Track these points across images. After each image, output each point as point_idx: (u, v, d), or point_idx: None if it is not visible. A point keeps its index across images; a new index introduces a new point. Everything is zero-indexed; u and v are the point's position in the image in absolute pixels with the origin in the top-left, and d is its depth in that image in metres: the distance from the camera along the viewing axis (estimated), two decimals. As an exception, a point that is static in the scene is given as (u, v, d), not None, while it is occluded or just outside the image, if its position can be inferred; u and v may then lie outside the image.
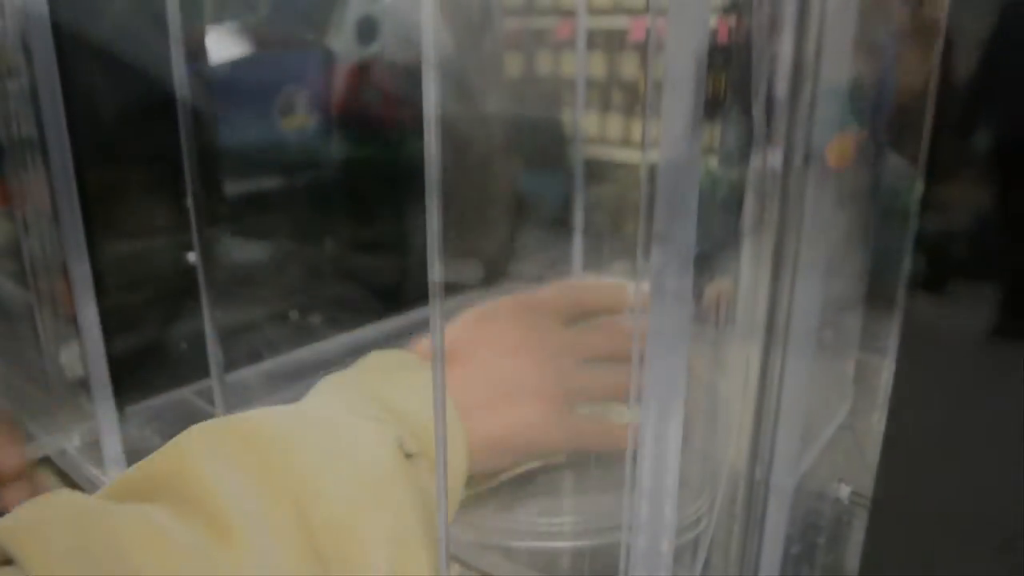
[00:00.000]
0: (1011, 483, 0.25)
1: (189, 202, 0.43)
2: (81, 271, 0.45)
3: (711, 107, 0.35)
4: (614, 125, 0.72)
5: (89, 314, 0.45)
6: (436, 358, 0.29)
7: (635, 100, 0.70)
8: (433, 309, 0.30)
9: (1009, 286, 0.24)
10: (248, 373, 0.61)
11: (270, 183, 0.61)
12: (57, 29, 0.41)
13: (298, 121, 0.62)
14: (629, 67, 0.69)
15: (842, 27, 0.24)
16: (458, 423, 0.35)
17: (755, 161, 0.28)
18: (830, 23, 0.24)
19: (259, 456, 0.29)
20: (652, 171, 0.21)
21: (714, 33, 0.37)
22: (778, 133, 0.26)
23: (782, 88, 0.25)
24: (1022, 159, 0.23)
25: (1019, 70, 0.23)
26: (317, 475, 0.29)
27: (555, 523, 0.38)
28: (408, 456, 0.33)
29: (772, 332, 0.28)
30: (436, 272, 0.29)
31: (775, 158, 0.26)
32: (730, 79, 0.28)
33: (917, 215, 0.26)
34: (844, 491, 0.32)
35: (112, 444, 0.48)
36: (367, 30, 0.63)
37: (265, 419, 0.32)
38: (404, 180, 0.60)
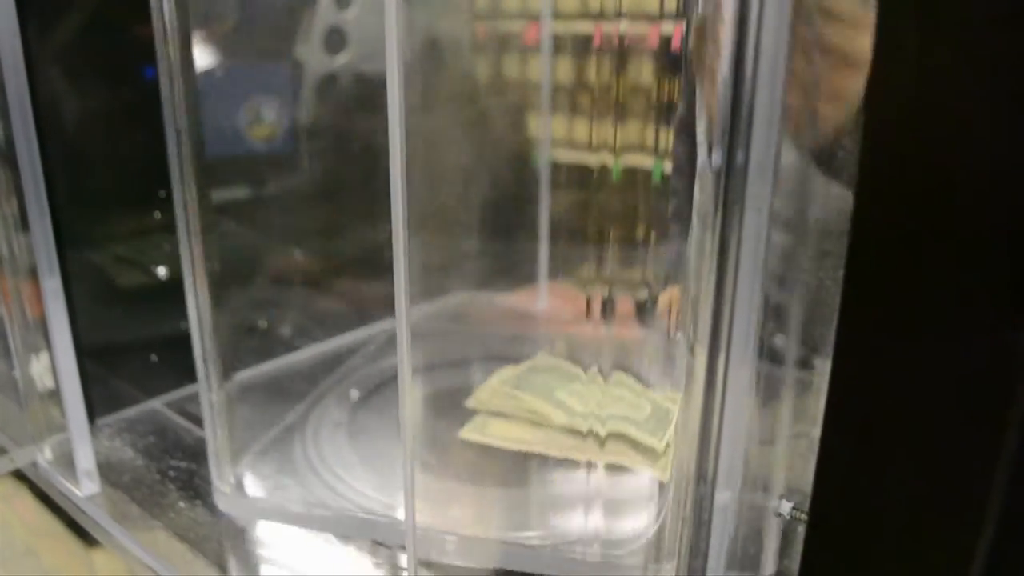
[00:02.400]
0: (950, 493, 0.26)
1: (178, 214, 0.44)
2: (52, 283, 0.45)
3: (665, 112, 0.37)
4: (580, 129, 0.73)
5: (60, 325, 0.46)
6: (402, 370, 0.30)
7: (601, 104, 0.72)
8: (399, 320, 0.32)
9: (939, 288, 0.25)
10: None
11: (240, 193, 0.62)
12: (26, 36, 0.42)
13: (265, 131, 0.62)
14: (594, 72, 0.71)
15: (780, 27, 0.26)
16: None
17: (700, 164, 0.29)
18: (767, 25, 0.26)
19: None
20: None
21: (668, 40, 0.39)
22: (719, 134, 0.27)
23: (722, 89, 0.27)
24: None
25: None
26: None
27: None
28: None
29: (716, 340, 0.29)
30: (401, 282, 0.31)
31: (717, 159, 0.28)
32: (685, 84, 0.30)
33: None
34: (785, 507, 0.33)
35: (84, 457, 0.48)
36: (335, 41, 0.64)
37: None
38: (372, 191, 0.60)
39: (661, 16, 0.28)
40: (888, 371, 0.27)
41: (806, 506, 0.31)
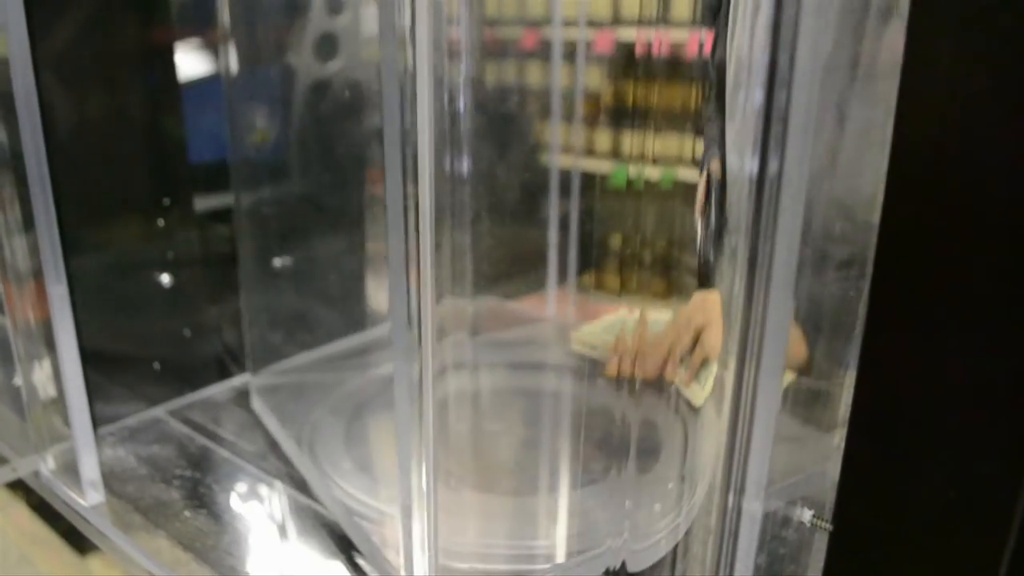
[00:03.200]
0: (975, 500, 0.26)
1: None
2: (58, 289, 0.44)
3: (623, 115, 0.37)
4: (577, 136, 0.73)
5: (66, 332, 0.45)
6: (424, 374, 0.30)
7: (599, 111, 0.71)
8: (425, 327, 0.31)
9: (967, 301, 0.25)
10: (216, 390, 0.61)
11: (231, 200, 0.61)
12: (34, 44, 0.41)
13: (259, 136, 0.62)
14: (592, 78, 0.70)
15: (817, 35, 0.25)
16: None
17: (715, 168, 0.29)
18: (804, 31, 0.25)
19: None
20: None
21: (630, 46, 0.39)
22: (752, 140, 0.27)
23: (756, 96, 0.26)
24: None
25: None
26: None
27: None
28: None
29: (746, 347, 0.29)
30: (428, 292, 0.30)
31: (750, 165, 0.27)
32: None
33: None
34: (806, 515, 0.33)
35: (89, 466, 0.47)
36: (327, 47, 0.64)
37: None
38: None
39: (693, 22, 0.28)
40: (913, 377, 0.27)
41: (827, 514, 0.32)
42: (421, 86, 0.29)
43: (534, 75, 0.57)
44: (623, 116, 0.38)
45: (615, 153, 0.36)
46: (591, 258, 0.39)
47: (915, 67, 0.25)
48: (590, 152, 0.42)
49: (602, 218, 0.42)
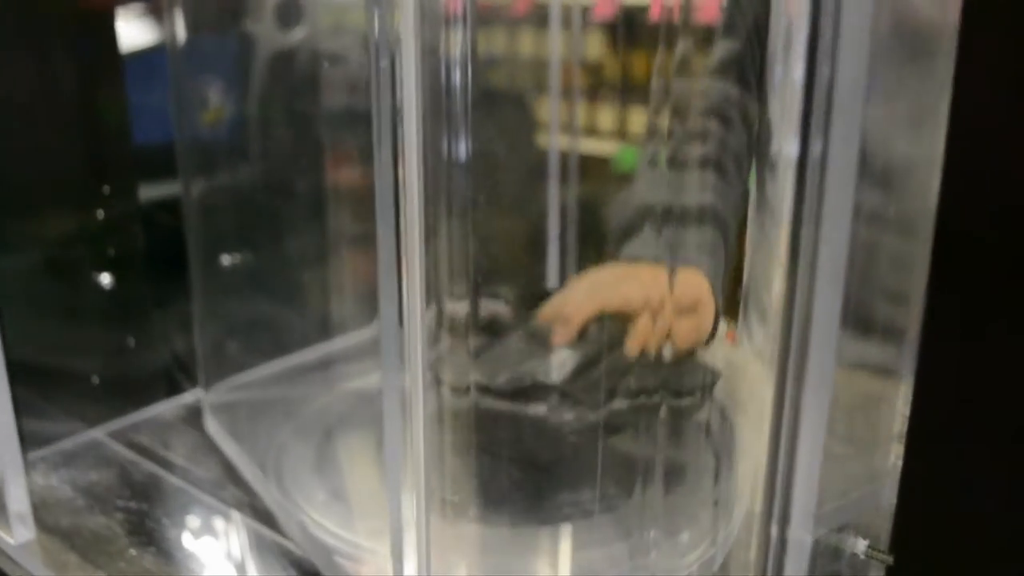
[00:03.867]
0: None
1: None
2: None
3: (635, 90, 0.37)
4: (578, 112, 0.73)
5: (-10, 345, 0.44)
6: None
7: (600, 83, 0.71)
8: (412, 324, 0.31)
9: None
10: (163, 407, 0.60)
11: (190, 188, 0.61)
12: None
13: (211, 115, 0.62)
14: (593, 47, 0.71)
15: (861, 7, 0.26)
16: None
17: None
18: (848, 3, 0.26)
19: None
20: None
21: (644, 10, 0.39)
22: (792, 119, 0.27)
23: (797, 71, 0.27)
24: None
25: None
26: None
27: None
28: None
29: (786, 352, 0.29)
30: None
31: (789, 146, 0.28)
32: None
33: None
34: (860, 545, 0.33)
35: (17, 497, 0.47)
36: (289, 14, 0.63)
37: None
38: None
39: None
40: (978, 389, 0.28)
41: (882, 544, 0.32)
42: (408, 57, 0.29)
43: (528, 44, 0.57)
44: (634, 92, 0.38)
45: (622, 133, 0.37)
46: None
47: (973, 46, 0.26)
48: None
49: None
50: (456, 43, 0.31)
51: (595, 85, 0.69)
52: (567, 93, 0.65)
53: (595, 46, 0.69)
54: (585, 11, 0.68)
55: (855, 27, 0.26)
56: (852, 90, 0.27)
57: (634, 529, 0.38)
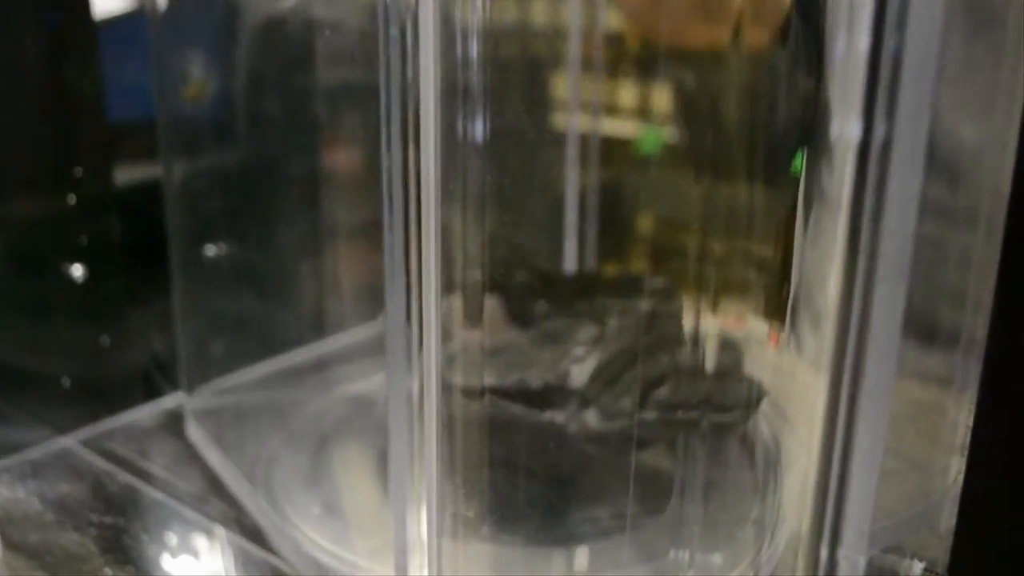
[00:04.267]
0: None
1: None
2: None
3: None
4: (597, 88, 0.73)
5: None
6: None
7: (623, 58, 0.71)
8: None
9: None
10: (142, 413, 0.60)
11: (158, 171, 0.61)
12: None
13: (193, 90, 0.61)
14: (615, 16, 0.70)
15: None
16: None
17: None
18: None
19: None
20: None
21: None
22: (855, 98, 0.27)
23: (861, 43, 0.26)
24: None
25: None
26: None
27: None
28: None
29: (841, 358, 0.29)
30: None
31: (850, 128, 0.27)
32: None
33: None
34: (916, 568, 0.33)
35: (-20, 510, 0.47)
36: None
37: None
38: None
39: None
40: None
41: (940, 567, 0.32)
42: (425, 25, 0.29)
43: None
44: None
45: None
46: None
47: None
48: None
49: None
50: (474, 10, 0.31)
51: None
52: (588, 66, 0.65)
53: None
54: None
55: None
56: (922, 65, 0.26)
57: (662, 550, 0.38)
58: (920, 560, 0.32)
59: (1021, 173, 0.27)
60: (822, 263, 0.30)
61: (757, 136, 0.34)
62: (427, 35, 0.28)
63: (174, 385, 0.60)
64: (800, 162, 0.32)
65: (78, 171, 0.55)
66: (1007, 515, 0.29)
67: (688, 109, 0.38)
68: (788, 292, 0.33)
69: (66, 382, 0.56)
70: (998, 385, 0.28)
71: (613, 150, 0.57)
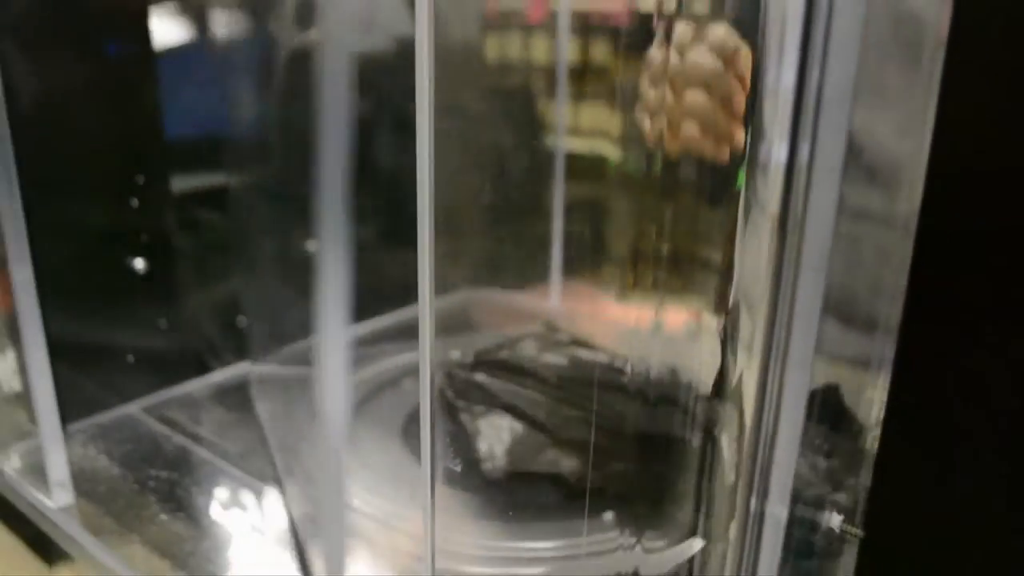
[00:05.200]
0: (1017, 508, 0.27)
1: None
2: (22, 273, 0.44)
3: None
4: (586, 115, 0.73)
5: (31, 320, 0.45)
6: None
7: (610, 88, 0.71)
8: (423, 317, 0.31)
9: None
10: (197, 385, 0.60)
11: (218, 179, 0.61)
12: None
13: (241, 111, 0.62)
14: (601, 53, 0.70)
15: (853, 12, 0.25)
16: None
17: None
18: (839, 8, 0.26)
19: None
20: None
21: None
22: (783, 123, 0.27)
23: (787, 77, 0.26)
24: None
25: None
26: None
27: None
28: None
29: (771, 341, 0.29)
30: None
31: (778, 152, 0.28)
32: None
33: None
34: (835, 520, 0.33)
35: (57, 465, 0.47)
36: (306, 14, 0.63)
37: None
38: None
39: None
40: (953, 371, 0.27)
41: (857, 520, 0.32)
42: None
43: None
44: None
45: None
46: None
47: (962, 43, 0.25)
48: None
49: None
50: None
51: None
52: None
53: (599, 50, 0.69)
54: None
55: (845, 32, 0.26)
56: (840, 95, 0.26)
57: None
58: (839, 513, 0.32)
59: (932, 181, 0.27)
60: (758, 261, 0.30)
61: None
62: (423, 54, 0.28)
63: (222, 361, 0.60)
64: (742, 178, 0.32)
65: (140, 179, 0.55)
66: (915, 474, 0.29)
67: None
68: (731, 287, 0.33)
69: (130, 358, 0.57)
70: (911, 365, 0.28)
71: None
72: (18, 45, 0.48)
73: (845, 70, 0.27)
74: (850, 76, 0.27)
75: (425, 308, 0.30)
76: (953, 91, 0.26)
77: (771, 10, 0.28)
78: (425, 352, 0.30)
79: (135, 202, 0.56)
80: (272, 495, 0.49)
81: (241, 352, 0.60)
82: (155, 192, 0.56)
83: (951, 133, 0.26)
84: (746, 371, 0.30)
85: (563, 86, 0.58)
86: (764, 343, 0.29)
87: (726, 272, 0.33)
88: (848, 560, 0.32)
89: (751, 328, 0.30)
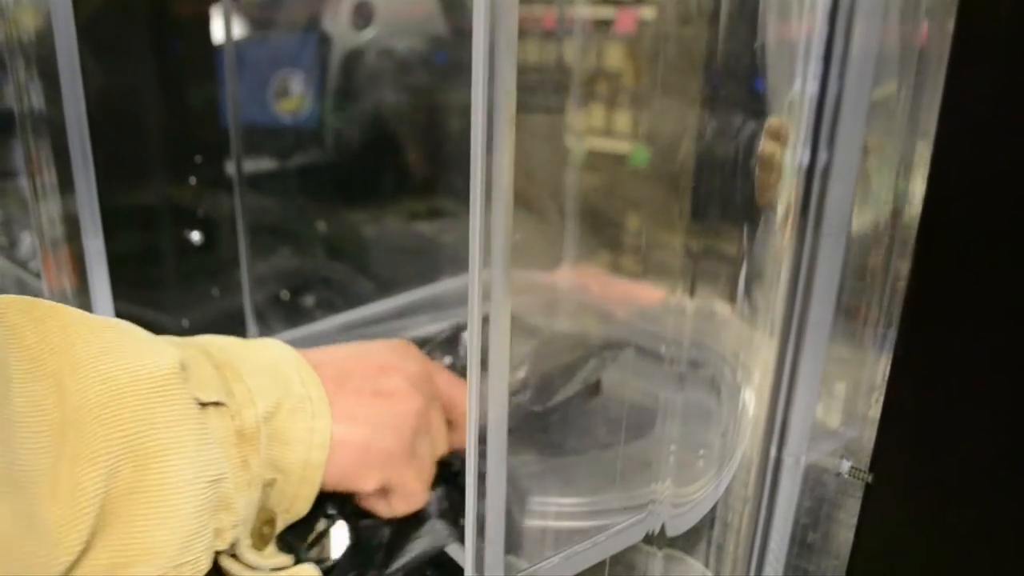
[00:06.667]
0: (1018, 453, 0.28)
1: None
2: (95, 244, 0.46)
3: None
4: (597, 116, 0.73)
5: (102, 291, 0.47)
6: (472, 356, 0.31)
7: (619, 91, 0.71)
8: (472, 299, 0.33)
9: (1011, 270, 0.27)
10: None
11: (266, 165, 0.63)
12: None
13: (293, 103, 0.64)
14: (614, 58, 0.71)
15: (874, 21, 0.27)
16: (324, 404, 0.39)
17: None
18: (861, 15, 0.27)
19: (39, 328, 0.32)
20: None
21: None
22: (804, 129, 0.29)
23: (812, 85, 0.28)
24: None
25: None
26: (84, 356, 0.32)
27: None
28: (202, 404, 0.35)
29: (791, 308, 0.31)
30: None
31: (802, 155, 0.29)
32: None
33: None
34: (845, 466, 0.35)
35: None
36: (363, 15, 0.65)
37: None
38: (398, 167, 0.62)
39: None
40: (957, 326, 0.29)
41: (865, 465, 0.34)
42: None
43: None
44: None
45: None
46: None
47: (964, 57, 0.27)
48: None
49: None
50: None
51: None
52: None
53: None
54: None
55: (864, 47, 0.28)
56: (857, 106, 0.28)
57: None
58: (848, 459, 0.34)
59: (934, 185, 0.29)
60: (773, 256, 0.32)
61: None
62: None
63: (270, 330, 0.63)
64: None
65: (198, 158, 0.58)
66: (920, 424, 0.31)
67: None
68: (746, 278, 0.35)
69: (185, 323, 0.59)
70: (916, 319, 0.30)
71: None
72: (96, 45, 0.50)
73: (862, 83, 0.28)
74: (867, 89, 0.28)
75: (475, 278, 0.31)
76: (954, 100, 0.27)
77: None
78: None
79: (192, 180, 0.58)
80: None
81: (288, 320, 0.63)
82: (211, 171, 0.59)
83: (953, 137, 0.28)
84: (768, 352, 0.31)
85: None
86: (785, 306, 0.30)
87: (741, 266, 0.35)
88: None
89: (766, 313, 0.32)
